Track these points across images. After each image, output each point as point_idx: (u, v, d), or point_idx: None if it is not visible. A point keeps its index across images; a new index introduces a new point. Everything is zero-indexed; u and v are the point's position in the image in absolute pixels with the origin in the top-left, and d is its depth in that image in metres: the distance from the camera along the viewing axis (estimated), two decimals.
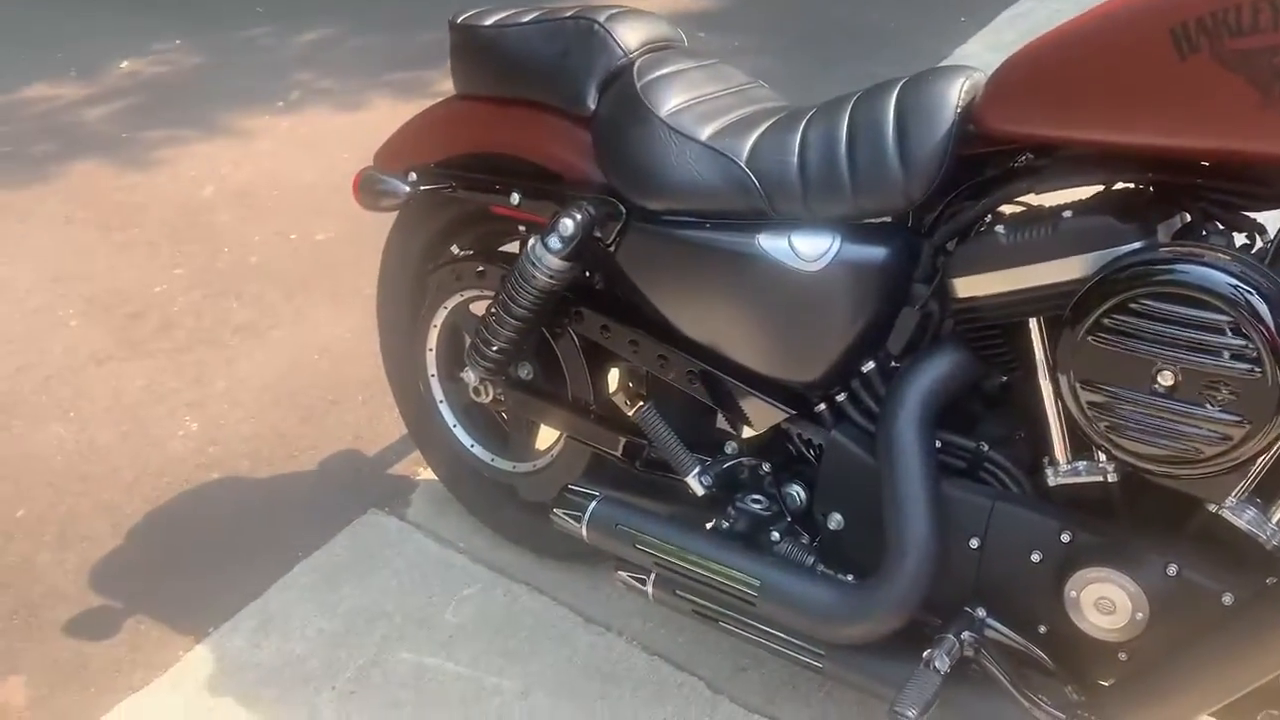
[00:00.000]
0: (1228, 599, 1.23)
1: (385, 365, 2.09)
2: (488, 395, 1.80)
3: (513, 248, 1.88)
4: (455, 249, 1.89)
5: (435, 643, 1.87)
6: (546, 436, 1.93)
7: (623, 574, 1.62)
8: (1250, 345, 1.08)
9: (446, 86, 1.82)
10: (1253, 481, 1.21)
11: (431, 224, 1.89)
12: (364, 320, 2.71)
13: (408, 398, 2.05)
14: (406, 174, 1.73)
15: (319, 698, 1.78)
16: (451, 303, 1.88)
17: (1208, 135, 1.12)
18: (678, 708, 1.73)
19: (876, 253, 1.39)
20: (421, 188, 1.71)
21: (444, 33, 1.77)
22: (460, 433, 1.97)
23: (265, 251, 3.10)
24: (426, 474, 2.21)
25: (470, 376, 1.77)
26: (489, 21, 1.68)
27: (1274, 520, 1.22)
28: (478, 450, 1.96)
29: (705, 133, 1.48)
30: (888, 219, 1.40)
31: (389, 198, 1.68)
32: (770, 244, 1.43)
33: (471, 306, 1.88)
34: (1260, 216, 1.22)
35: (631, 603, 1.89)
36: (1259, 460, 1.17)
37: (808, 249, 1.41)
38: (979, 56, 4.01)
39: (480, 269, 1.79)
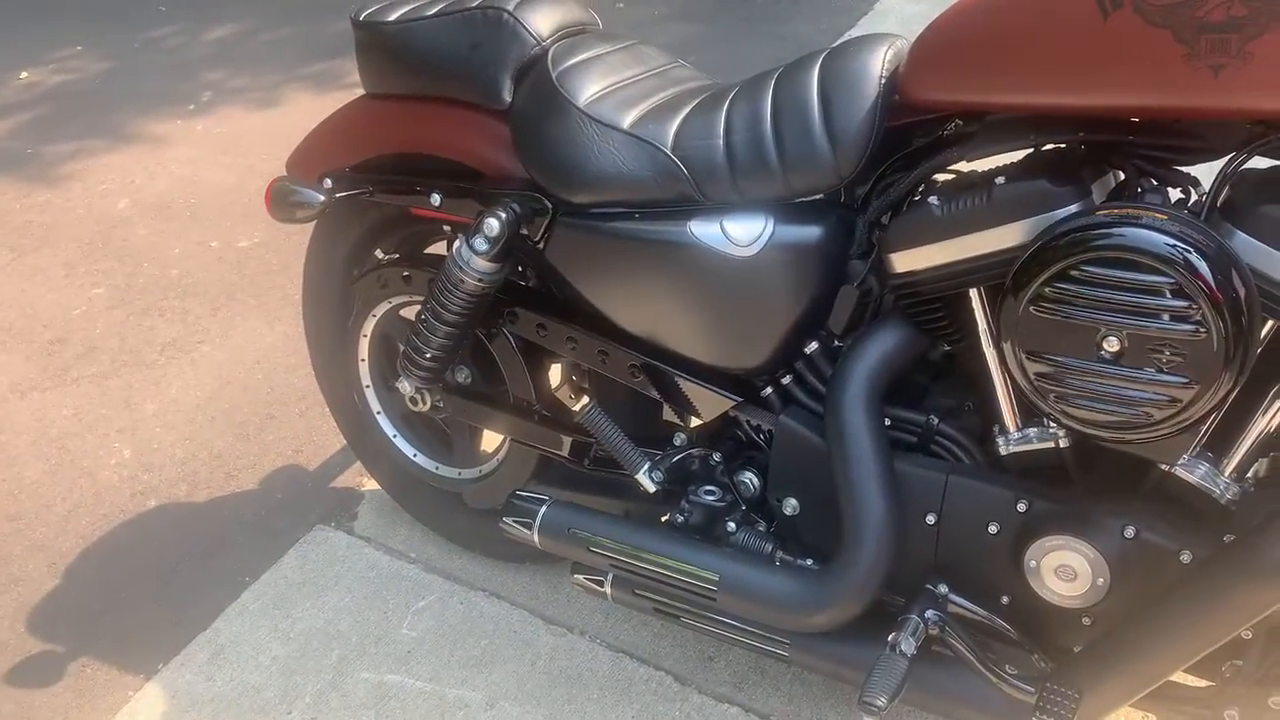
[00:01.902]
0: (1186, 557, 1.22)
1: (318, 379, 2.03)
2: (425, 403, 1.74)
3: (439, 248, 1.82)
4: (379, 254, 1.83)
5: (394, 659, 1.82)
6: (491, 440, 1.88)
7: (579, 577, 1.59)
8: (1193, 306, 1.07)
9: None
10: (1203, 437, 1.21)
11: (352, 230, 1.82)
12: (295, 328, 2.64)
13: (344, 411, 1.99)
14: (321, 181, 1.66)
15: None
16: (380, 310, 1.81)
17: (1136, 92, 1.10)
18: (646, 704, 1.70)
19: (811, 232, 1.36)
20: (337, 194, 1.64)
21: None
22: (401, 443, 1.91)
23: (187, 264, 3.00)
24: (372, 484, 2.15)
25: (405, 386, 1.72)
26: (393, 17, 1.61)
27: (1226, 474, 1.22)
28: (420, 459, 1.91)
29: (627, 120, 1.43)
30: (819, 197, 1.37)
31: (304, 208, 1.61)
32: (702, 231, 1.39)
33: (401, 312, 1.82)
34: (1193, 170, 1.20)
35: (592, 601, 1.86)
36: (1209, 418, 1.16)
37: (741, 233, 1.37)
38: (901, 8, 3.99)
39: (406, 274, 1.72)
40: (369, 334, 1.85)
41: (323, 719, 1.73)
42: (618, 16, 4.15)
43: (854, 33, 3.86)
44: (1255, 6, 1.00)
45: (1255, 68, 1.01)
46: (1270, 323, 1.14)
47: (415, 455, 1.91)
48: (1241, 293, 1.07)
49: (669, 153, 1.39)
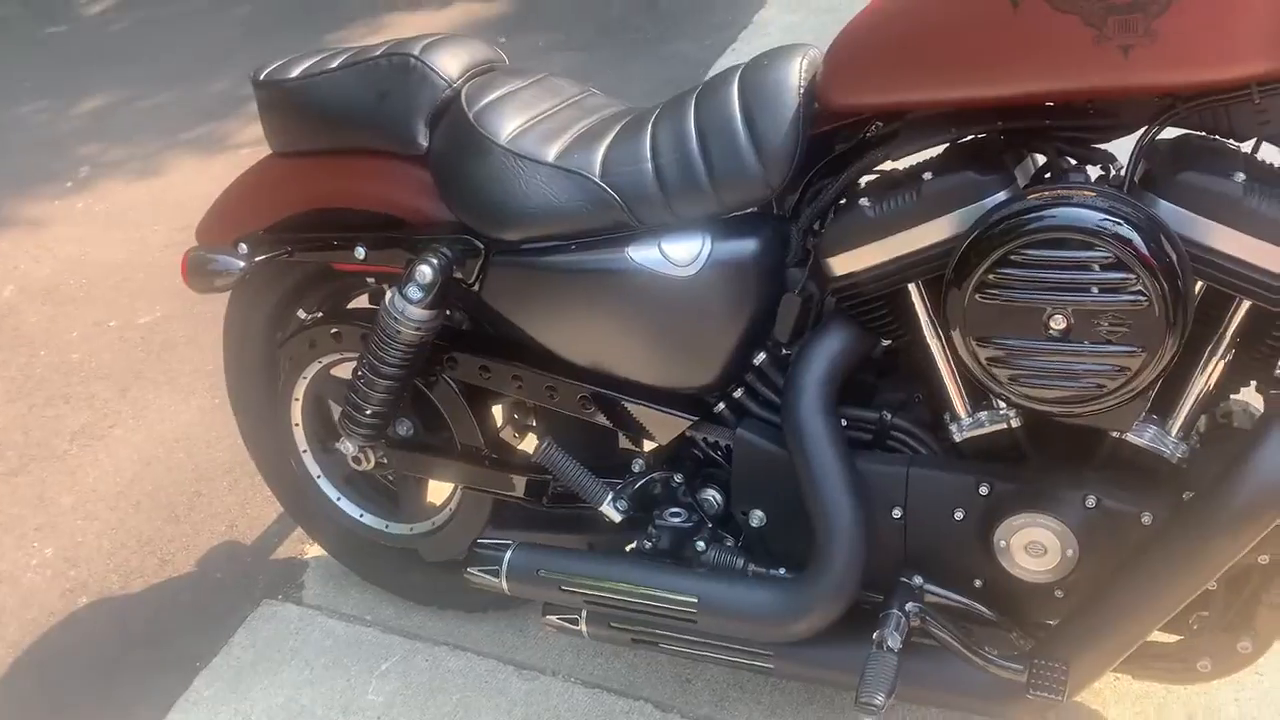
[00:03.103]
0: (1147, 519, 1.26)
1: (249, 449, 1.96)
2: (370, 462, 1.69)
3: (363, 301, 1.78)
4: (301, 314, 1.78)
5: None
6: (439, 490, 1.84)
7: (552, 618, 1.57)
8: (1131, 275, 1.11)
9: (249, 137, 1.71)
10: (1148, 401, 1.25)
11: (271, 293, 1.76)
12: (211, 400, 2.55)
13: (281, 479, 1.92)
14: (236, 246, 1.62)
15: None
16: (310, 372, 1.76)
17: (1050, 78, 1.14)
18: None
19: (748, 245, 1.37)
20: (256, 259, 1.59)
21: (236, 81, 1.66)
22: (346, 505, 1.86)
23: (87, 346, 2.87)
24: (315, 551, 2.09)
25: (348, 446, 1.67)
26: (296, 73, 1.57)
27: (1173, 434, 1.26)
28: (368, 519, 1.85)
29: (552, 153, 1.43)
30: (753, 209, 1.38)
31: (223, 276, 1.57)
32: (641, 255, 1.39)
33: (333, 372, 1.78)
34: (1109, 146, 1.25)
35: (561, 640, 1.83)
36: (1157, 382, 1.20)
37: (679, 254, 1.37)
38: (779, 19, 4.07)
39: (335, 331, 1.68)
40: (301, 397, 1.80)
41: None
42: (500, 51, 4.15)
43: (737, 46, 3.92)
44: None
45: (1162, 44, 1.06)
46: (1199, 284, 1.19)
47: (362, 516, 1.86)
48: (1174, 258, 1.12)
49: (599, 181, 1.39)
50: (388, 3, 4.93)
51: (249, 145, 1.69)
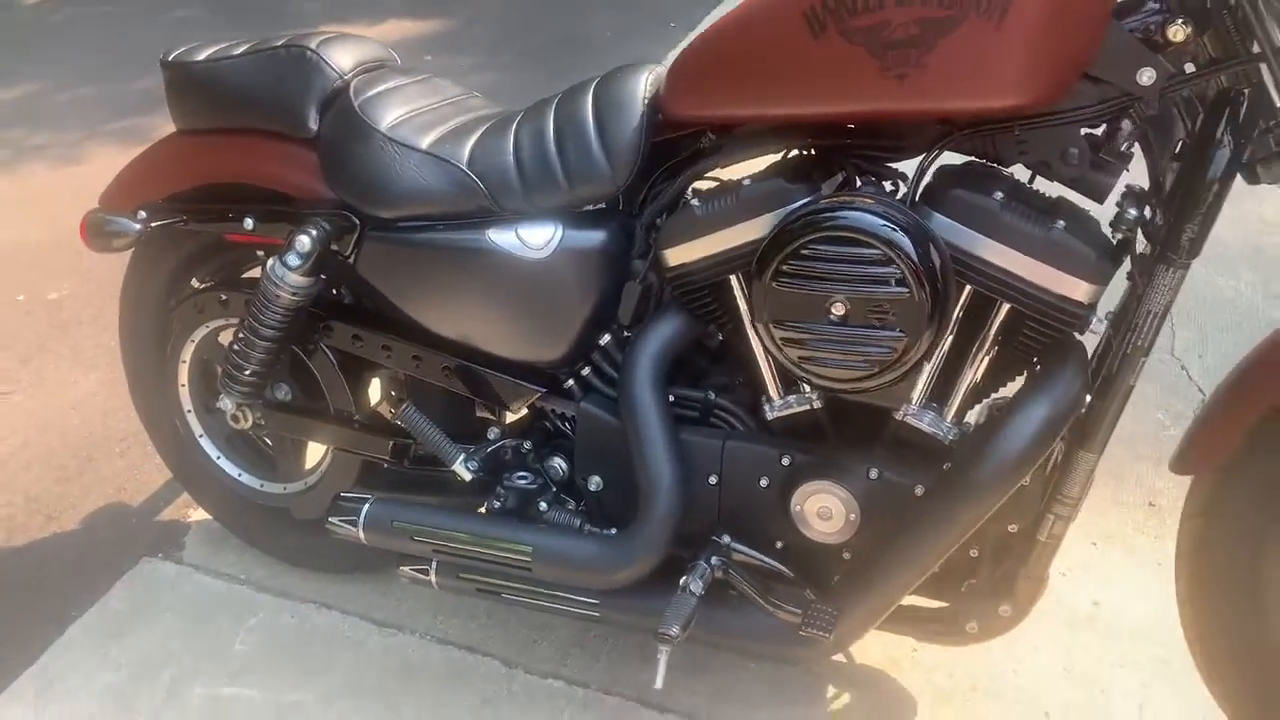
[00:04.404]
0: (919, 490, 1.45)
1: (138, 410, 2.07)
2: (247, 421, 1.83)
3: (254, 274, 1.92)
4: (195, 282, 1.91)
5: (228, 674, 1.87)
6: (314, 454, 1.98)
7: (406, 569, 1.70)
8: (897, 270, 1.30)
9: (168, 130, 1.84)
10: (925, 390, 1.44)
11: (167, 261, 1.89)
12: (112, 374, 2.65)
13: (166, 439, 2.04)
14: (135, 213, 1.75)
15: None
16: (198, 336, 1.89)
17: (844, 102, 1.33)
18: (476, 688, 1.82)
19: (596, 235, 1.54)
20: (152, 224, 1.73)
21: (158, 79, 1.79)
22: (225, 464, 1.98)
23: None
24: (198, 514, 2.20)
25: (227, 404, 1.80)
26: (202, 56, 1.72)
27: (948, 419, 1.45)
28: (245, 479, 1.98)
29: (426, 142, 1.59)
30: (602, 205, 1.56)
31: (120, 237, 1.69)
32: (499, 238, 1.55)
33: (219, 337, 1.91)
34: (901, 166, 1.45)
35: (420, 601, 1.97)
36: (925, 368, 1.40)
37: (534, 238, 1.54)
38: None
39: (223, 298, 1.82)
40: (188, 359, 1.93)
41: None
42: (426, 68, 4.32)
43: None
44: (925, 26, 1.25)
45: (930, 75, 1.26)
46: (967, 288, 1.38)
47: (240, 475, 1.98)
48: (937, 261, 1.32)
49: (466, 169, 1.56)
50: (321, 16, 5.08)
51: None
